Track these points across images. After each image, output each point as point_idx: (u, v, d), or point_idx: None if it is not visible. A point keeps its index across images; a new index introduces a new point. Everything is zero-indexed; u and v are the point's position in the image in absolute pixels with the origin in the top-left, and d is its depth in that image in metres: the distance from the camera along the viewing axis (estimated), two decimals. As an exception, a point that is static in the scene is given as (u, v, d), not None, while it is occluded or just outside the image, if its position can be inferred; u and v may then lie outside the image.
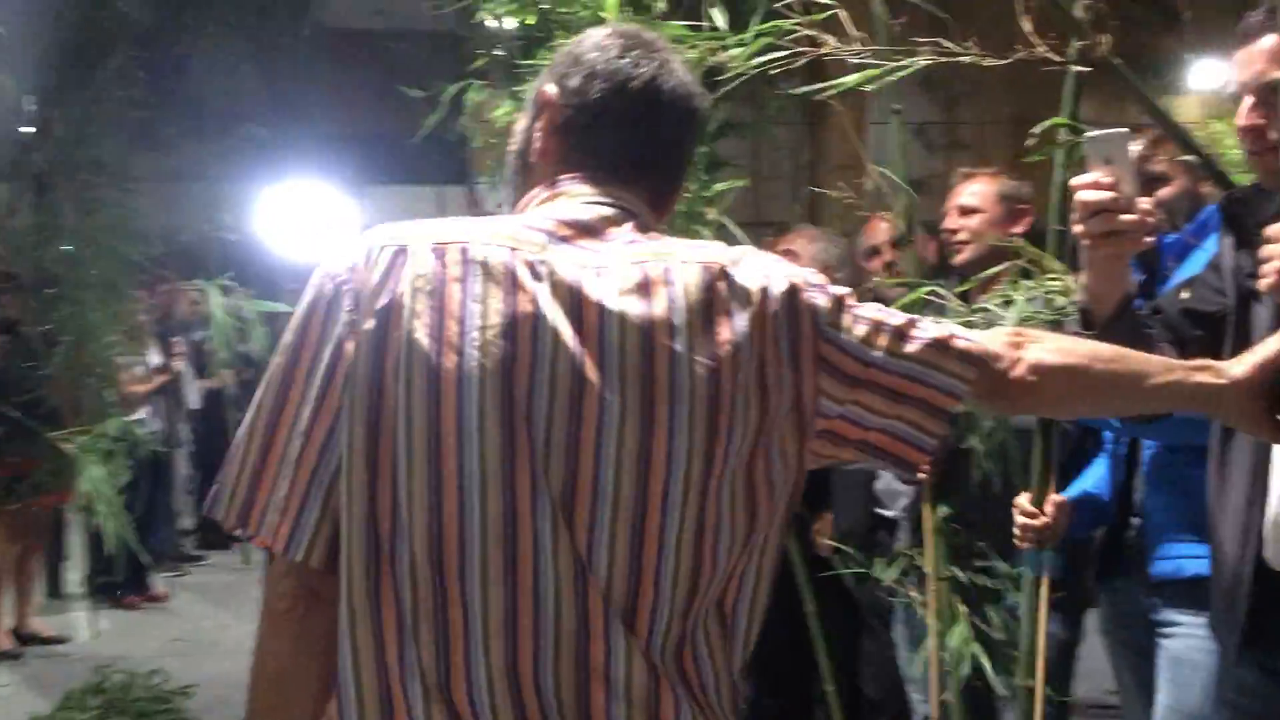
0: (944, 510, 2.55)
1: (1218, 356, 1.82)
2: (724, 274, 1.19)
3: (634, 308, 1.15)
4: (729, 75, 2.20)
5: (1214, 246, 2.19)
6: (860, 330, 1.22)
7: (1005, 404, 1.37)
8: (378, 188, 10.60)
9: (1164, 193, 2.32)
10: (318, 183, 9.14)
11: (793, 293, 1.20)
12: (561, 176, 1.28)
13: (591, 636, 1.11)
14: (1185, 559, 2.21)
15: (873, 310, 1.25)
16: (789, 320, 1.19)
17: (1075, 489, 2.39)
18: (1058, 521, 2.29)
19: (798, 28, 2.10)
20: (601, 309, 1.14)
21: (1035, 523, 2.26)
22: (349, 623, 1.13)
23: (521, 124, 1.33)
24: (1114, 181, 1.68)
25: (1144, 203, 1.78)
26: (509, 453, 1.10)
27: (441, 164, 8.27)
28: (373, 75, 9.29)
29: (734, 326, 1.16)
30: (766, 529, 1.20)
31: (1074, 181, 1.76)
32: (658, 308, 1.15)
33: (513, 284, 1.14)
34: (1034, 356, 1.29)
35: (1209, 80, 11.66)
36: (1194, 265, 2.24)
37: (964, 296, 2.29)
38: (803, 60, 2.13)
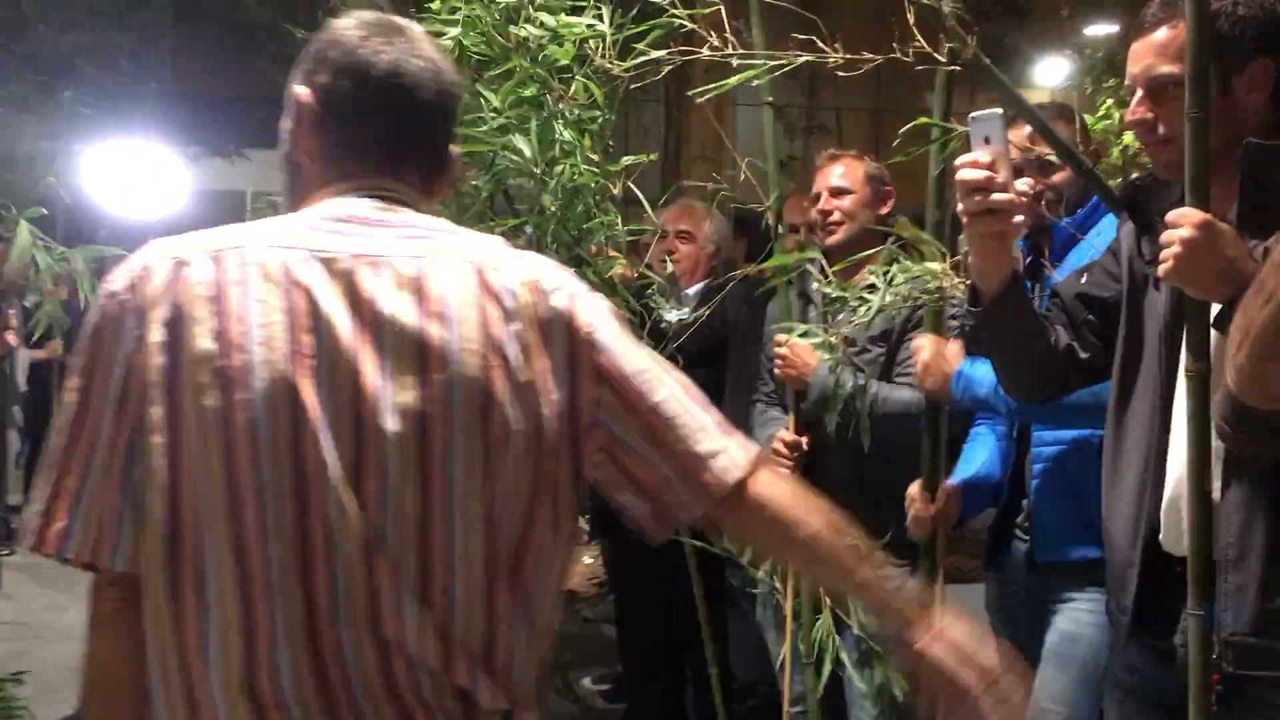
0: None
1: (1109, 341, 1.85)
2: (495, 271, 1.23)
3: (406, 303, 1.19)
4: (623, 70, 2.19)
5: (1109, 232, 2.23)
6: (638, 362, 1.27)
7: (717, 526, 1.44)
8: (261, 151, 10.46)
9: (1055, 178, 2.33)
10: (150, 145, 8.93)
11: (569, 298, 1.25)
12: (331, 174, 1.30)
13: (385, 613, 1.15)
14: (1072, 545, 2.24)
15: (646, 359, 1.28)
16: (563, 325, 1.24)
17: (963, 473, 2.39)
18: (950, 509, 2.29)
19: (682, 23, 2.10)
20: (375, 303, 1.18)
21: (928, 512, 2.25)
22: (153, 620, 1.17)
23: (285, 126, 1.33)
24: (991, 161, 1.73)
25: (1021, 184, 1.81)
26: (298, 441, 1.14)
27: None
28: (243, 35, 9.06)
29: (506, 326, 1.21)
30: (554, 516, 1.24)
31: (956, 161, 1.80)
32: (429, 302, 1.19)
33: (290, 281, 1.18)
34: (755, 499, 1.29)
35: (1053, 76, 12.15)
36: (1083, 251, 2.28)
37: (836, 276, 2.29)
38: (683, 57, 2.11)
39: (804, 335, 2.35)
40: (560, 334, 1.24)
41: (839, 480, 2.56)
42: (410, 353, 1.18)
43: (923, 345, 2.28)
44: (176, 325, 1.16)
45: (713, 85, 2.09)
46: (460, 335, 1.19)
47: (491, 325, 1.20)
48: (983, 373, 2.21)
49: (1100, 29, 10.49)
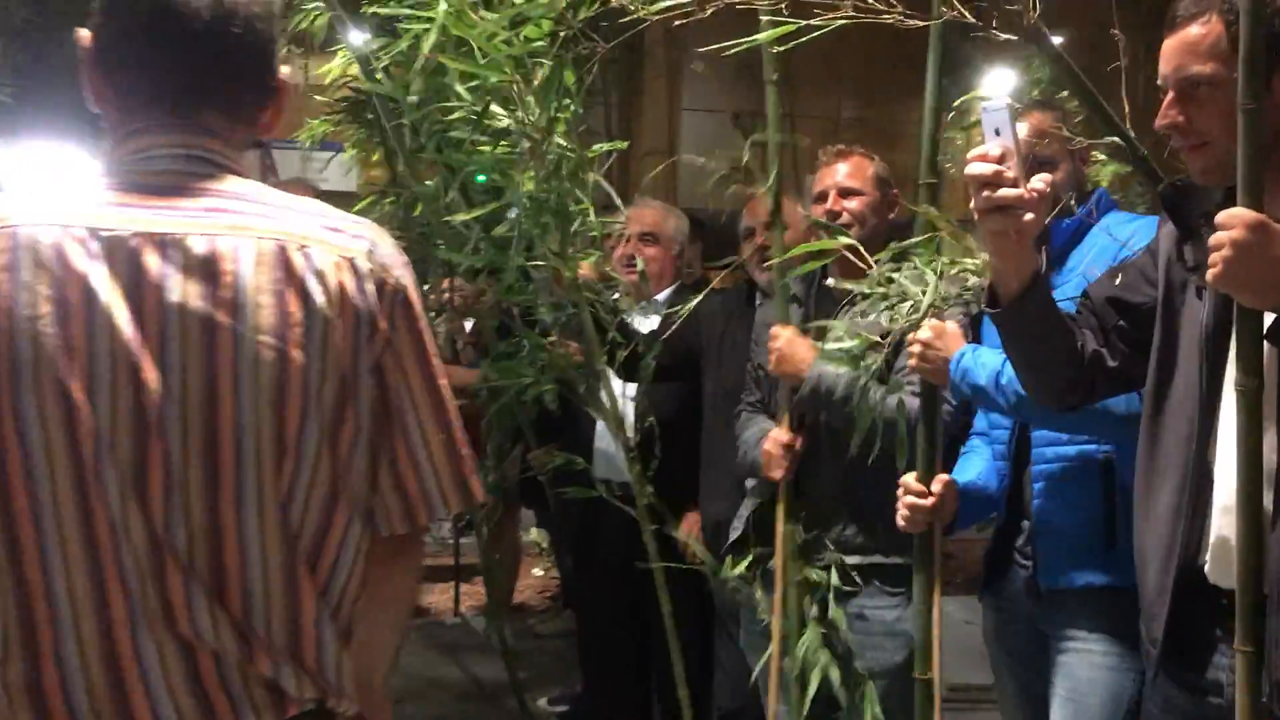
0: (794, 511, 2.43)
1: (1141, 348, 1.73)
2: (301, 251, 1.17)
3: (196, 289, 1.13)
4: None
5: (1112, 224, 2.10)
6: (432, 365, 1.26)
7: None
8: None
9: (1051, 177, 2.20)
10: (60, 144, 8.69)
11: (378, 277, 1.21)
12: (127, 127, 1.22)
13: (179, 614, 1.12)
14: (1078, 571, 2.11)
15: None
16: (369, 312, 1.19)
17: (959, 476, 2.24)
18: (946, 502, 2.13)
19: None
20: (161, 290, 1.12)
21: (924, 503, 2.10)
22: None
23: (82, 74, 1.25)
24: (1001, 154, 1.66)
25: (1037, 181, 1.69)
26: (73, 444, 1.09)
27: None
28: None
29: (307, 306, 1.15)
30: (354, 506, 1.22)
31: (967, 155, 1.71)
32: (222, 288, 1.13)
33: (64, 267, 1.10)
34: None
35: (1002, 88, 12.19)
36: (1082, 255, 2.16)
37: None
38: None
39: (822, 335, 2.21)
40: (366, 321, 1.19)
41: (826, 490, 2.44)
42: (197, 345, 1.12)
43: (922, 326, 2.13)
44: None
45: (723, 44, 1.93)
46: (253, 325, 1.13)
47: (290, 313, 1.15)
48: (985, 360, 2.07)
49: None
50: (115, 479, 1.10)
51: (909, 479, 2.14)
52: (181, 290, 1.12)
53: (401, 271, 1.24)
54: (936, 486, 2.12)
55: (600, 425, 3.12)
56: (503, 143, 2.41)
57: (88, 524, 1.11)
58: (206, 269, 1.13)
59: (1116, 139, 1.86)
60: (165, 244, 1.13)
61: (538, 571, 6.26)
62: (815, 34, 1.86)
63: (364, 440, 1.21)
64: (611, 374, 2.77)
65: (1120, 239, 2.07)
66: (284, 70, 1.29)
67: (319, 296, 1.16)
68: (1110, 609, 2.08)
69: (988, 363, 2.05)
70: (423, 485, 1.25)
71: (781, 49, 2.06)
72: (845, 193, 2.53)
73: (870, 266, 2.15)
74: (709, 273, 4.30)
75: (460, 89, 2.33)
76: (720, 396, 2.99)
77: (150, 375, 1.10)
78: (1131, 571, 2.03)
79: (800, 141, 3.05)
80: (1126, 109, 1.92)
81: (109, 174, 1.19)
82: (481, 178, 2.60)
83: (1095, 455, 2.11)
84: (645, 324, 3.06)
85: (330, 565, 1.21)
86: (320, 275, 1.16)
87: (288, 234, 1.17)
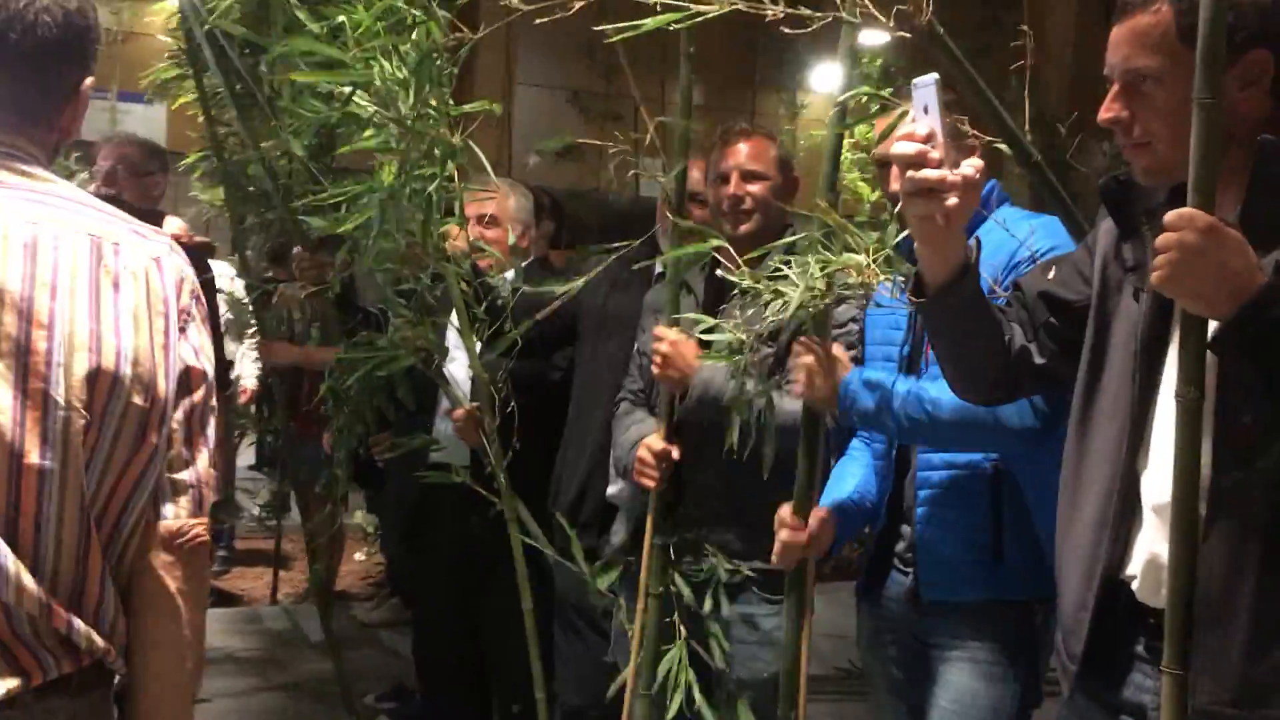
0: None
1: (1071, 348, 1.65)
2: (114, 249, 1.29)
3: (17, 270, 1.23)
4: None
5: (1009, 219, 2.01)
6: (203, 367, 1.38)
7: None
8: None
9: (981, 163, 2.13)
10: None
11: (179, 276, 1.35)
12: None
13: None
14: (963, 584, 2.04)
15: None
16: (172, 310, 1.33)
17: (835, 494, 2.15)
18: (822, 537, 2.04)
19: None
20: None
21: (799, 538, 2.00)
22: None
23: None
24: (928, 134, 1.58)
25: (967, 166, 1.59)
26: None
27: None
28: None
29: (118, 299, 1.28)
30: (153, 484, 1.33)
31: (894, 134, 1.65)
32: (43, 272, 1.23)
33: None
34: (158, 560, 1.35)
35: (828, 82, 12.37)
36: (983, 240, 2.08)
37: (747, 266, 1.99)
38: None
39: (709, 330, 2.04)
40: (174, 313, 1.33)
41: (708, 495, 2.31)
42: (13, 322, 1.21)
43: (805, 349, 2.02)
44: None
45: (626, 25, 1.75)
46: (70, 308, 1.24)
47: (103, 301, 1.26)
48: (872, 383, 1.98)
49: (876, 36, 10.70)
50: None
51: (784, 512, 2.03)
52: (3, 270, 1.22)
53: (191, 271, 1.39)
54: (813, 521, 2.02)
55: (444, 405, 2.93)
56: (369, 132, 2.19)
57: None
58: (28, 253, 1.23)
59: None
60: None
61: (359, 556, 5.97)
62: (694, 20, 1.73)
63: (168, 415, 1.32)
64: (461, 351, 2.60)
65: (1017, 236, 2.01)
66: (87, 81, 1.38)
67: (128, 290, 1.28)
68: (995, 620, 2.03)
69: (874, 386, 1.97)
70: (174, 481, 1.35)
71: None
72: (748, 176, 2.38)
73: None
74: (558, 255, 4.15)
75: (325, 47, 2.10)
76: (596, 367, 2.81)
77: None
78: (1017, 584, 2.00)
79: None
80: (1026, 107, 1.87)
81: None
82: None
83: (983, 465, 2.03)
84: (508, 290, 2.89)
85: (111, 531, 1.30)
86: (131, 272, 1.29)
87: (103, 232, 1.29)
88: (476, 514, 2.64)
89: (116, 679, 1.35)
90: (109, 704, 1.36)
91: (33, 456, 1.21)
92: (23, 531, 1.23)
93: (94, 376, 1.24)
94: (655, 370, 2.24)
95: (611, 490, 2.62)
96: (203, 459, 1.37)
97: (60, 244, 1.25)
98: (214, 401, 1.39)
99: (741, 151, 2.39)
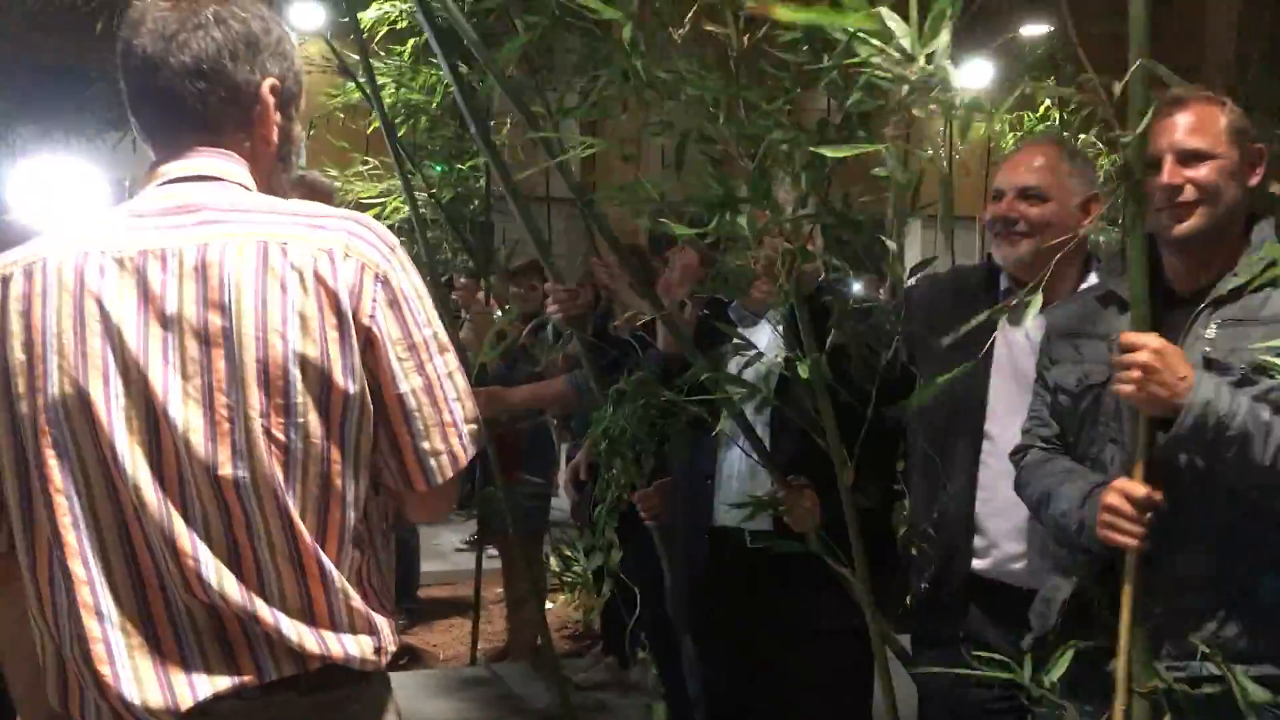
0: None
1: None
2: (281, 250, 1.31)
3: (191, 293, 1.29)
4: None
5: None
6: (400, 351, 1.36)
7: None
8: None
9: None
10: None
11: (357, 264, 1.33)
12: (153, 155, 1.42)
13: (192, 580, 1.30)
14: None
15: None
16: (349, 297, 1.31)
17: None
18: None
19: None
20: (163, 300, 1.29)
21: None
22: (35, 598, 1.34)
23: None
24: None
25: None
26: (97, 442, 1.28)
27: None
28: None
29: (285, 301, 1.29)
30: (354, 480, 1.36)
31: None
32: (212, 292, 1.29)
33: (82, 289, 1.30)
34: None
35: (979, 78, 11.70)
36: None
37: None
38: None
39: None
40: (348, 306, 1.31)
41: (1192, 567, 1.76)
42: (194, 346, 1.28)
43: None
44: (5, 339, 1.31)
45: None
46: (239, 323, 1.28)
47: (270, 306, 1.28)
48: None
49: (1035, 27, 10.05)
50: (129, 469, 1.28)
51: None
52: (179, 298, 1.29)
53: (381, 256, 1.35)
54: None
55: (733, 454, 2.48)
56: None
57: (115, 502, 1.29)
58: (198, 275, 1.29)
59: None
60: (163, 257, 1.30)
61: (548, 605, 5.52)
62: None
63: (355, 411, 1.33)
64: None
65: None
66: (267, 83, 1.40)
67: (295, 289, 1.29)
68: None
69: None
70: (417, 451, 1.37)
71: None
72: (1190, 157, 1.80)
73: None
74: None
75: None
76: (955, 407, 2.26)
77: (156, 379, 1.28)
78: None
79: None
80: None
81: (136, 201, 1.37)
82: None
83: None
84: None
85: (337, 532, 1.34)
86: (298, 270, 1.30)
87: (272, 234, 1.31)
88: (782, 582, 2.24)
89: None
90: (357, 702, 1.40)
91: (225, 469, 1.28)
92: (240, 542, 1.31)
93: (266, 384, 1.28)
94: (1127, 389, 1.66)
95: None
96: (432, 425, 1.37)
97: (227, 258, 1.29)
98: (434, 367, 1.37)
99: (1178, 125, 1.82)
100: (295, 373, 1.28)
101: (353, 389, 1.31)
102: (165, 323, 1.27)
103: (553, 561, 5.25)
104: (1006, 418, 2.16)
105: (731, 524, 2.43)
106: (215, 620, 1.31)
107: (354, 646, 1.35)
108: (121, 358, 1.27)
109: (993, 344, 2.12)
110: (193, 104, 1.36)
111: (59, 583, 1.30)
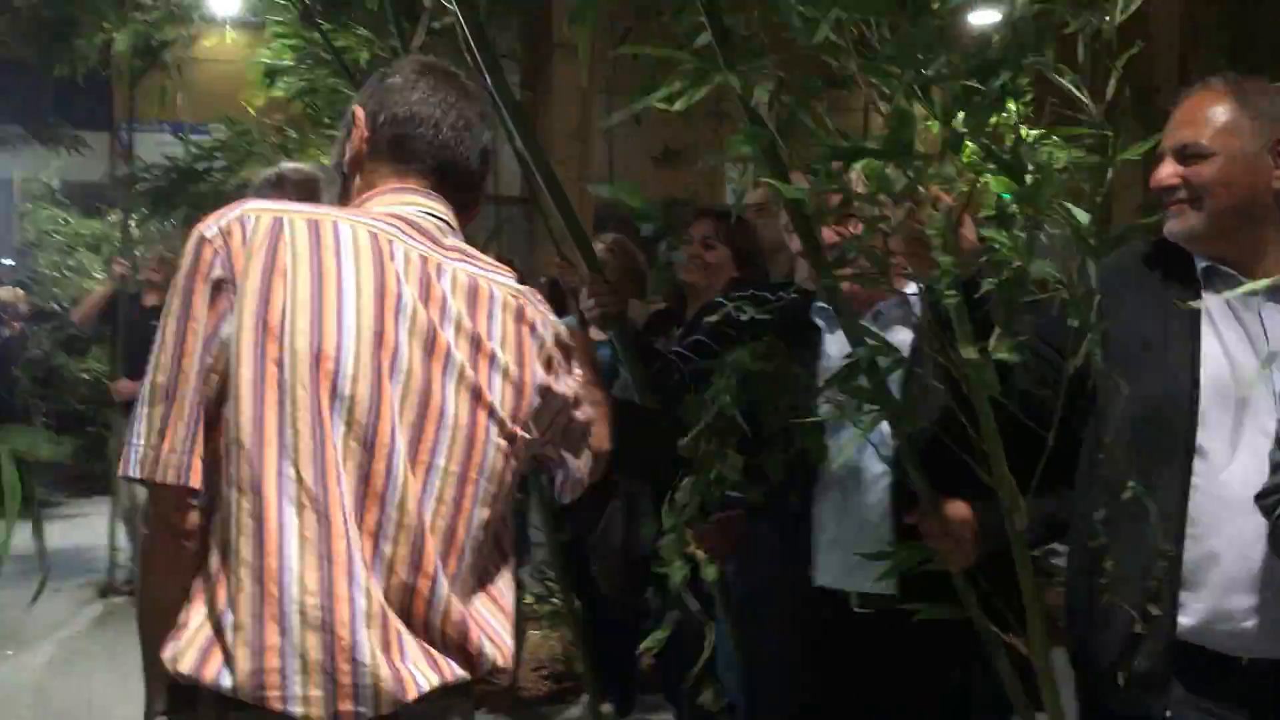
0: None
1: None
2: (525, 300, 1.50)
3: (466, 308, 1.43)
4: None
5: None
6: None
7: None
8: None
9: None
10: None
11: (558, 335, 1.53)
12: (393, 186, 1.51)
13: (424, 567, 1.35)
14: None
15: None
16: (559, 349, 1.53)
17: None
18: None
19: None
20: (445, 301, 1.41)
21: None
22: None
23: (340, 137, 1.58)
24: None
25: None
26: (377, 393, 1.33)
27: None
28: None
29: (529, 344, 1.48)
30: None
31: None
32: (481, 314, 1.44)
33: (379, 259, 1.38)
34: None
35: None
36: None
37: None
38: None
39: None
40: (561, 362, 1.54)
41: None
42: (465, 349, 1.41)
43: None
44: (274, 273, 1.32)
45: None
46: (501, 343, 1.44)
47: (525, 344, 1.47)
48: None
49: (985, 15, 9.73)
50: (400, 422, 1.35)
51: None
52: (457, 304, 1.42)
53: (562, 329, 1.57)
54: None
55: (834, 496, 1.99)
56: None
57: (367, 466, 1.33)
58: (471, 297, 1.44)
59: None
60: (441, 269, 1.44)
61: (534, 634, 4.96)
62: None
63: (528, 451, 1.52)
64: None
65: None
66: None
67: (534, 341, 1.49)
68: None
69: None
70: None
71: None
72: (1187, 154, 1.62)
73: None
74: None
75: None
76: (1135, 421, 1.75)
77: (435, 374, 1.38)
78: None
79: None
80: None
81: (382, 212, 1.47)
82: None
83: None
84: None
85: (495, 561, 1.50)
86: (534, 323, 1.50)
87: (515, 289, 1.50)
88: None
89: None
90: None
91: (471, 465, 1.40)
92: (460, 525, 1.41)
93: (514, 405, 1.46)
94: None
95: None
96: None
97: (495, 293, 1.47)
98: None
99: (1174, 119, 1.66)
100: (535, 413, 1.52)
101: (537, 432, 1.56)
102: (445, 320, 1.42)
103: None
104: (1223, 429, 1.68)
105: (836, 585, 1.94)
106: (415, 611, 1.36)
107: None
108: (410, 335, 1.37)
109: (1199, 338, 1.66)
110: (469, 175, 1.60)
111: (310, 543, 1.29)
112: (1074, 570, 1.84)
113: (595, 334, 3.73)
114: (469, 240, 1.54)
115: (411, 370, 1.35)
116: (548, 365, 1.49)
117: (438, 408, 1.36)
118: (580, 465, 1.63)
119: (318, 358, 1.29)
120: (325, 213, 1.39)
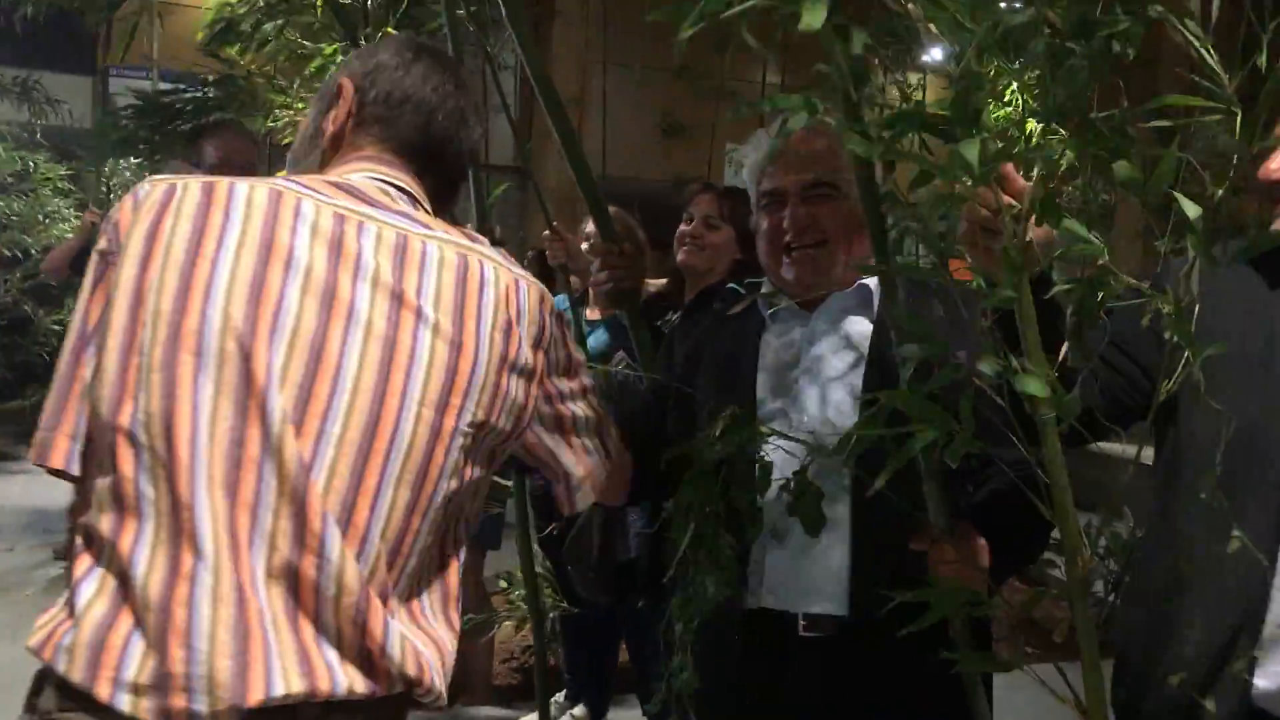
0: None
1: None
2: (480, 264, 1.33)
3: (391, 265, 1.27)
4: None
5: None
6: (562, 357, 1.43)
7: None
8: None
9: None
10: None
11: (542, 302, 1.38)
12: (360, 154, 1.41)
13: (308, 541, 1.15)
14: None
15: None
16: (537, 327, 1.36)
17: None
18: None
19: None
20: (359, 258, 1.26)
21: None
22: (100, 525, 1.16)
23: (319, 107, 1.46)
24: None
25: None
26: (249, 349, 1.16)
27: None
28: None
29: (480, 306, 1.30)
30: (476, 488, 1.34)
31: None
32: (410, 270, 1.28)
33: (273, 215, 1.23)
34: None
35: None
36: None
37: None
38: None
39: None
40: (541, 335, 1.36)
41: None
42: (383, 305, 1.24)
43: None
44: (155, 238, 1.19)
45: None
46: (435, 305, 1.27)
47: (468, 302, 1.29)
48: None
49: None
50: (279, 408, 1.16)
51: None
52: (378, 259, 1.26)
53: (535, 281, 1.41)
54: None
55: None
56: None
57: (242, 423, 1.15)
58: (398, 250, 1.28)
59: None
60: (363, 223, 1.29)
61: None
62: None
63: (503, 445, 1.37)
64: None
65: None
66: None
67: (489, 294, 1.31)
68: None
69: None
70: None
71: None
72: None
73: None
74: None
75: None
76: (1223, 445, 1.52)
77: (333, 333, 1.21)
78: None
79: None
80: None
81: (315, 177, 1.35)
82: None
83: None
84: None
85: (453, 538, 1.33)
86: (493, 280, 1.33)
87: (468, 245, 1.35)
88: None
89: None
90: None
91: (381, 443, 1.22)
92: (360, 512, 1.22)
93: (495, 387, 1.32)
94: None
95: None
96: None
97: (429, 248, 1.31)
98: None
99: None
100: (476, 388, 1.32)
101: (507, 418, 1.39)
102: (360, 275, 1.28)
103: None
104: None
105: (780, 607, 1.72)
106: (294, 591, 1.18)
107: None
108: (301, 298, 1.23)
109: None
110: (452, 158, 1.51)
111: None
112: (1132, 618, 1.60)
113: (591, 314, 3.51)
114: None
115: (299, 327, 1.19)
116: (507, 333, 1.32)
117: (332, 366, 1.19)
118: (584, 472, 1.47)
119: (181, 314, 1.15)
120: (230, 179, 1.26)
